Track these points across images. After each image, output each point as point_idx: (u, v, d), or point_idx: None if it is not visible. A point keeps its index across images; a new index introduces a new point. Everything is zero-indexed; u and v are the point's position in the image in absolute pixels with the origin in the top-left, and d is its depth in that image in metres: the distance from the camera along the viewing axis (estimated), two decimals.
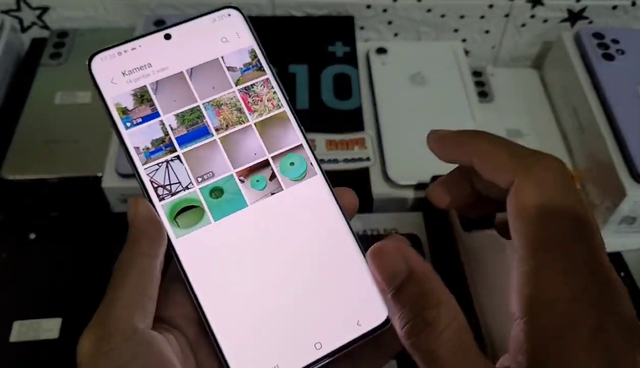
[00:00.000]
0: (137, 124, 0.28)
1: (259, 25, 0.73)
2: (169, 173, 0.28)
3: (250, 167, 0.29)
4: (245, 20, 0.30)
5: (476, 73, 0.67)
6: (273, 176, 0.29)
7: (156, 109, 0.29)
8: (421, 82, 0.62)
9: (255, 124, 0.29)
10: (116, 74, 0.29)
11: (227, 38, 0.30)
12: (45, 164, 0.53)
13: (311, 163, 0.29)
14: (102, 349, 0.23)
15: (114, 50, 0.29)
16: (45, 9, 0.65)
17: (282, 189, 0.29)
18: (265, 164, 0.29)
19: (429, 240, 0.50)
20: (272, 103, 0.30)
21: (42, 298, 0.47)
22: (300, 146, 0.29)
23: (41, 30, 0.66)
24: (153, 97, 0.29)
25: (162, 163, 0.28)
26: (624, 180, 0.52)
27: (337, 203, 0.29)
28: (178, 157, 0.28)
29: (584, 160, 0.59)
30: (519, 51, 0.70)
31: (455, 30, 0.67)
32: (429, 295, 0.24)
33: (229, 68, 0.30)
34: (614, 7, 0.65)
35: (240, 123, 0.29)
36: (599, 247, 0.23)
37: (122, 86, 0.28)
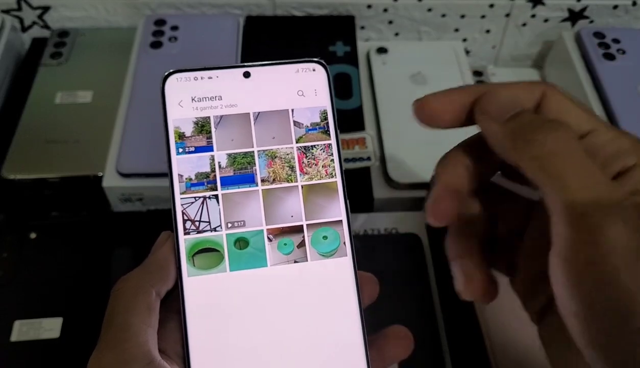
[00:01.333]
0: (189, 152, 0.28)
1: (260, 25, 0.73)
2: (202, 210, 0.27)
3: (282, 228, 0.28)
4: (329, 79, 0.29)
5: (477, 73, 0.67)
6: (302, 244, 0.28)
7: (211, 143, 0.28)
8: (422, 82, 0.62)
9: (302, 186, 0.28)
10: (185, 97, 0.28)
11: (304, 92, 0.29)
12: (46, 164, 0.53)
13: (344, 243, 0.28)
14: None
15: (191, 73, 0.28)
16: (46, 9, 0.65)
17: (306, 261, 0.28)
18: (298, 229, 0.28)
19: (429, 240, 0.50)
20: (326, 170, 0.29)
21: (42, 298, 0.47)
22: (340, 222, 0.28)
23: (42, 30, 0.66)
24: (213, 130, 0.28)
25: (199, 197, 0.27)
26: None
27: (357, 291, 0.28)
28: (216, 196, 0.28)
29: None
30: (520, 50, 0.70)
31: (456, 30, 0.67)
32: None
33: (295, 122, 0.29)
34: (615, 7, 0.65)
35: (288, 181, 0.28)
36: None
37: (187, 111, 0.28)
